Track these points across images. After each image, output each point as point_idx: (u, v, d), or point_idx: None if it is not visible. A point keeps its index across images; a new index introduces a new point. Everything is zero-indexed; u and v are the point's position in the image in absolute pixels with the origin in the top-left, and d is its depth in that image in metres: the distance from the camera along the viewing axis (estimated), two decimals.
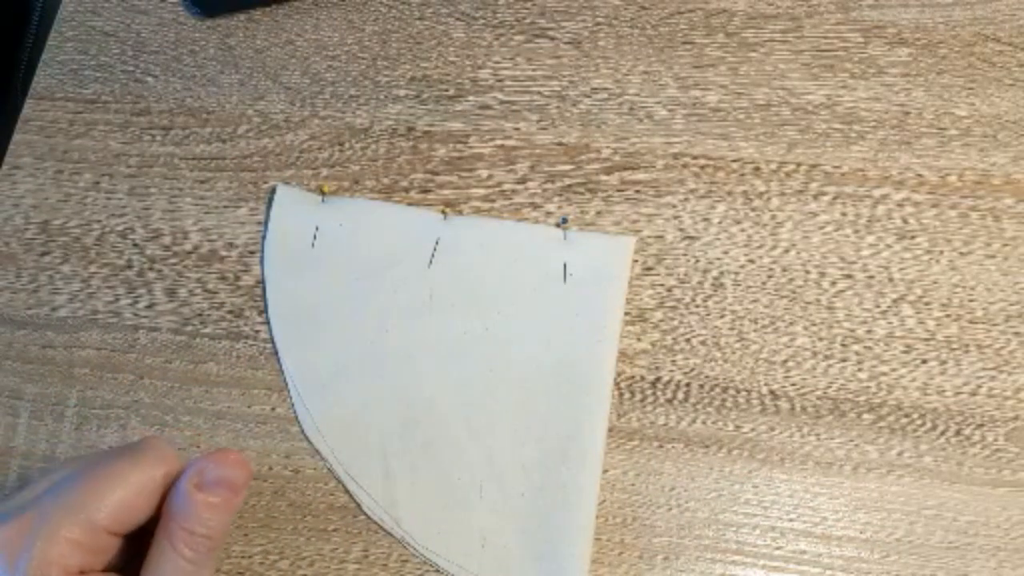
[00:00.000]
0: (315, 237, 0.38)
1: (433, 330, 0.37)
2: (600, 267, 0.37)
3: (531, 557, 0.33)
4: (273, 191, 0.39)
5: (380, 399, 0.36)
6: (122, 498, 0.27)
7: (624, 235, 0.38)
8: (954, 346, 0.36)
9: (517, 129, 0.40)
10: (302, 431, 0.36)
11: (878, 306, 0.37)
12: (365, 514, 0.35)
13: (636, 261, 0.38)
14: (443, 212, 0.38)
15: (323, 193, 0.39)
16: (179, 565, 0.27)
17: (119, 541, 0.27)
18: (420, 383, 0.36)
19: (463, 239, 0.38)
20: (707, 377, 0.36)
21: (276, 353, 0.37)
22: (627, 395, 0.36)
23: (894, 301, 0.37)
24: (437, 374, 0.36)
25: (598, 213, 0.39)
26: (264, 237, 0.38)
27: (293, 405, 0.36)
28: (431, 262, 0.37)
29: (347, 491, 0.35)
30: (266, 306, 0.37)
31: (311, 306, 0.37)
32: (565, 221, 0.38)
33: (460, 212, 0.39)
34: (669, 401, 0.36)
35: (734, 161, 0.39)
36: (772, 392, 0.36)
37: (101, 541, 0.27)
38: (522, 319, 0.37)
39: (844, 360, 0.36)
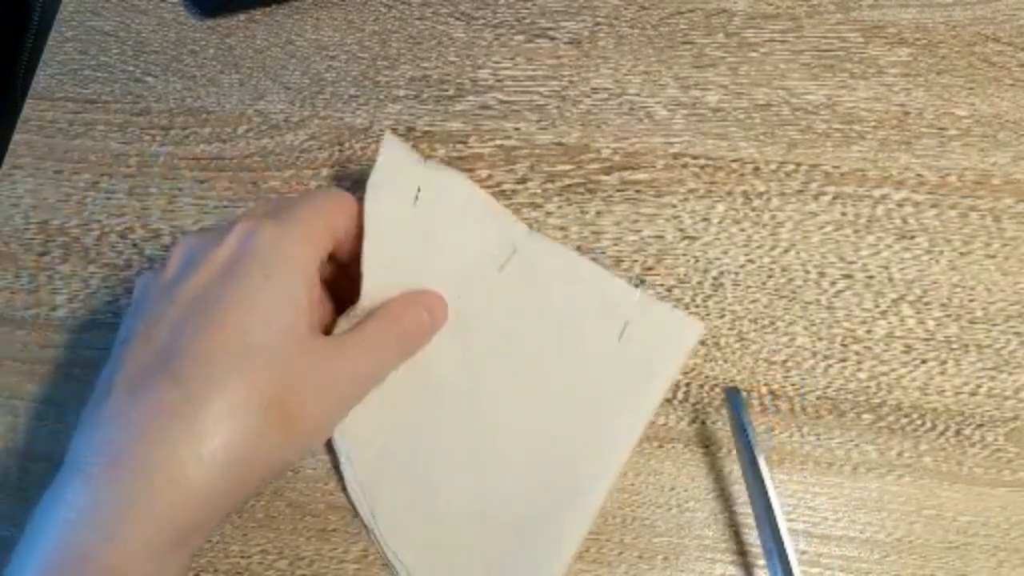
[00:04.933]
0: (417, 196, 0.35)
1: (477, 335, 0.35)
2: (659, 341, 0.36)
3: None
4: (381, 137, 0.36)
5: (401, 384, 0.34)
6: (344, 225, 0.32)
7: (693, 319, 0.36)
8: (954, 346, 0.36)
9: (517, 129, 0.40)
10: None
11: (878, 306, 0.37)
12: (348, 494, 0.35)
13: (636, 262, 0.38)
14: (529, 225, 0.37)
15: (426, 155, 0.36)
16: (381, 339, 0.31)
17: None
18: (443, 381, 0.35)
19: (539, 259, 0.36)
20: (707, 377, 0.36)
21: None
22: None
23: (894, 301, 0.37)
24: (465, 381, 0.35)
25: (598, 213, 0.39)
26: (370, 180, 0.34)
27: None
28: (502, 268, 0.36)
29: (337, 471, 0.35)
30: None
31: (396, 267, 0.34)
32: (643, 282, 0.37)
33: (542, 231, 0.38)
34: (669, 401, 0.36)
35: (734, 161, 0.39)
36: (772, 392, 0.36)
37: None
38: (565, 360, 0.35)
39: (844, 360, 0.36)
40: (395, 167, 0.34)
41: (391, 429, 0.34)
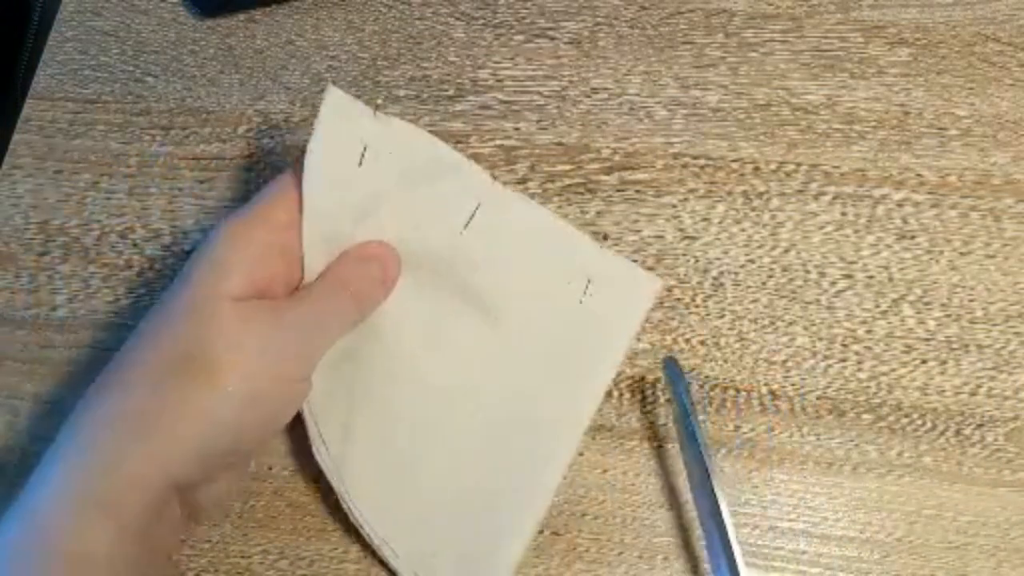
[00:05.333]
0: (363, 156, 0.32)
1: (441, 301, 0.34)
2: (620, 299, 0.35)
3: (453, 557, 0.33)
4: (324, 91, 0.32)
5: (362, 352, 0.33)
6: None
7: (652, 276, 0.36)
8: (954, 346, 0.36)
9: (517, 129, 0.40)
10: None
11: (878, 306, 0.37)
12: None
13: (636, 262, 0.38)
14: (492, 175, 0.35)
15: (376, 107, 0.32)
16: (331, 304, 0.31)
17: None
18: (405, 348, 0.34)
19: (502, 214, 0.34)
20: (707, 377, 0.36)
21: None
22: (627, 395, 0.36)
23: (894, 301, 0.37)
24: (424, 344, 0.34)
25: (598, 213, 0.39)
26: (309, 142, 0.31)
27: None
28: (465, 227, 0.34)
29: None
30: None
31: (343, 236, 0.32)
32: (606, 238, 0.36)
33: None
34: (669, 401, 0.36)
35: (734, 161, 0.39)
36: (772, 392, 0.36)
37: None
38: (528, 322, 0.35)
39: (844, 360, 0.36)
40: (336, 127, 0.31)
41: (356, 400, 0.33)
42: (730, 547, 0.29)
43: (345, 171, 0.31)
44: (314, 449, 0.33)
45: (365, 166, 0.32)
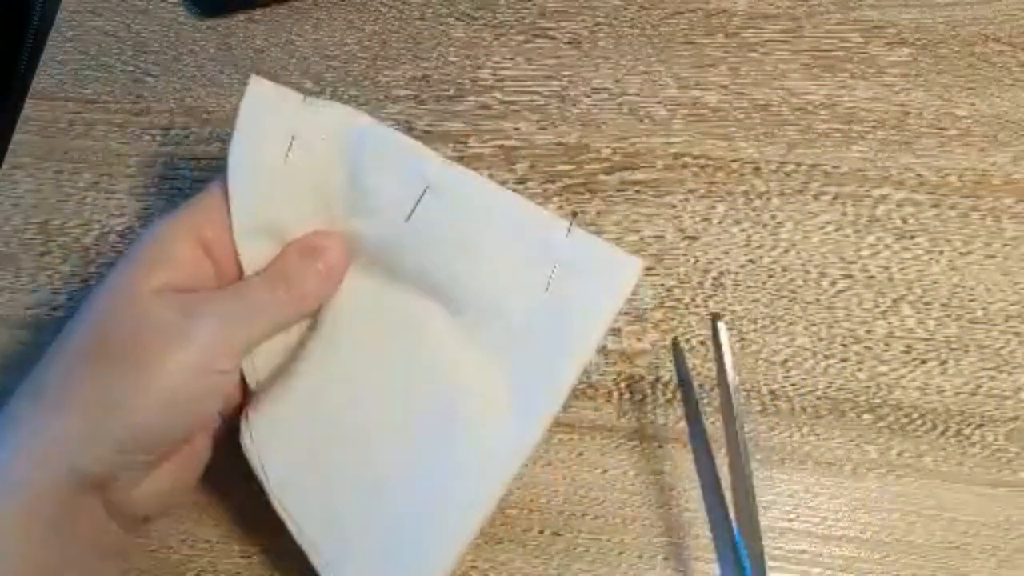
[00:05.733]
0: (290, 148, 0.31)
1: (388, 295, 0.32)
2: (591, 285, 0.32)
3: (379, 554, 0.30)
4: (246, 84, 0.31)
5: (308, 347, 0.32)
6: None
7: (630, 256, 0.32)
8: (954, 346, 0.36)
9: (517, 129, 0.40)
10: None
11: (878, 306, 0.37)
12: None
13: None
14: (444, 157, 0.32)
15: (307, 93, 0.31)
16: (261, 298, 0.30)
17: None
18: (355, 341, 0.32)
19: (454, 197, 0.32)
20: (707, 377, 0.36)
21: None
22: (627, 395, 0.36)
23: (894, 301, 0.37)
24: (377, 337, 0.32)
25: (598, 213, 0.39)
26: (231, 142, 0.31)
27: None
28: (411, 215, 0.31)
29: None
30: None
31: (275, 231, 0.31)
32: (576, 215, 0.34)
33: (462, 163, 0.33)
34: (669, 401, 0.36)
35: (734, 161, 0.39)
36: (772, 392, 0.36)
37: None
38: (486, 316, 0.32)
39: (844, 360, 0.36)
40: (259, 120, 0.30)
41: (300, 397, 0.31)
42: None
43: (271, 164, 0.30)
44: (243, 443, 0.31)
45: (294, 157, 0.31)
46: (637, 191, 0.39)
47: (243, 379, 0.32)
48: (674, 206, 0.39)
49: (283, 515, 0.30)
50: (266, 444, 0.31)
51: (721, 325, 0.29)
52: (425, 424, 0.32)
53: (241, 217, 0.30)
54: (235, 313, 0.29)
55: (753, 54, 0.41)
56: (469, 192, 0.32)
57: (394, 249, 0.32)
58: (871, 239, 0.38)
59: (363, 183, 0.31)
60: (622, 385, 0.36)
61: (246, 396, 0.32)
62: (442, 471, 0.31)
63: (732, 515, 0.32)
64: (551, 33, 0.42)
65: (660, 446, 0.35)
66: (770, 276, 0.38)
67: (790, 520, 0.34)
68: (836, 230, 0.38)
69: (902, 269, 0.38)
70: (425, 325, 0.32)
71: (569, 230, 0.32)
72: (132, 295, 0.28)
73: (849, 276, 0.38)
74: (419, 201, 0.31)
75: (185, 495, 0.33)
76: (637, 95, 0.41)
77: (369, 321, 0.32)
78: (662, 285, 0.37)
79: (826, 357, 0.36)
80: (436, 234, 0.32)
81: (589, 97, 0.41)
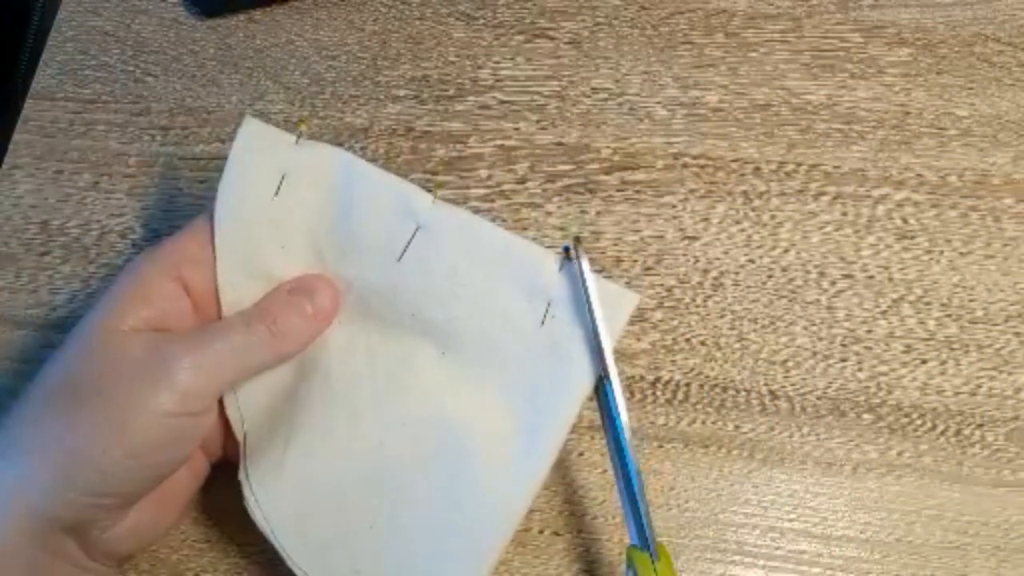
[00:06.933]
0: (280, 186, 0.30)
1: (380, 337, 0.32)
2: (586, 321, 0.31)
3: None
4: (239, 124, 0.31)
5: (300, 389, 0.31)
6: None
7: (629, 291, 0.31)
8: (954, 346, 0.36)
9: (517, 129, 0.40)
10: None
11: (878, 306, 0.37)
12: None
13: (636, 262, 0.38)
14: (431, 192, 0.32)
15: (300, 133, 0.31)
16: (239, 338, 0.29)
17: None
18: (347, 383, 0.31)
19: (445, 235, 0.31)
20: (707, 377, 0.36)
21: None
22: (627, 395, 0.36)
23: (894, 301, 0.37)
24: (371, 379, 0.32)
25: (598, 213, 0.39)
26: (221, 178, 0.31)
27: None
28: (402, 255, 0.31)
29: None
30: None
31: (260, 271, 0.31)
32: (567, 249, 0.31)
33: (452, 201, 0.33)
34: (669, 401, 0.36)
35: (734, 161, 0.39)
36: (772, 392, 0.36)
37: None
38: (481, 355, 0.31)
39: (844, 360, 0.36)
40: (250, 158, 0.30)
41: (302, 451, 0.31)
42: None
43: (259, 203, 0.30)
44: (243, 488, 0.31)
45: (282, 196, 0.30)
46: (637, 191, 0.39)
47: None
48: (674, 206, 0.39)
49: (296, 571, 0.30)
50: (269, 501, 0.31)
51: (581, 251, 0.30)
52: (430, 469, 0.31)
53: (225, 255, 0.30)
54: (207, 355, 0.28)
55: (753, 54, 0.41)
56: (460, 230, 0.31)
57: (386, 289, 0.31)
58: (871, 239, 0.38)
59: (354, 223, 0.31)
60: (622, 385, 0.36)
61: (230, 435, 0.31)
62: (452, 516, 0.31)
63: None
64: (551, 33, 0.42)
65: (660, 446, 0.35)
66: (770, 276, 0.38)
67: (790, 520, 0.34)
68: (836, 230, 0.38)
69: (902, 269, 0.38)
70: (422, 367, 0.32)
71: (561, 263, 0.31)
72: (107, 333, 0.28)
73: (849, 276, 0.38)
74: (411, 241, 0.31)
75: (167, 530, 0.32)
76: (637, 95, 0.41)
77: (365, 365, 0.32)
78: (662, 285, 0.37)
79: (826, 357, 0.36)
80: (429, 273, 0.31)
81: (589, 97, 0.41)
